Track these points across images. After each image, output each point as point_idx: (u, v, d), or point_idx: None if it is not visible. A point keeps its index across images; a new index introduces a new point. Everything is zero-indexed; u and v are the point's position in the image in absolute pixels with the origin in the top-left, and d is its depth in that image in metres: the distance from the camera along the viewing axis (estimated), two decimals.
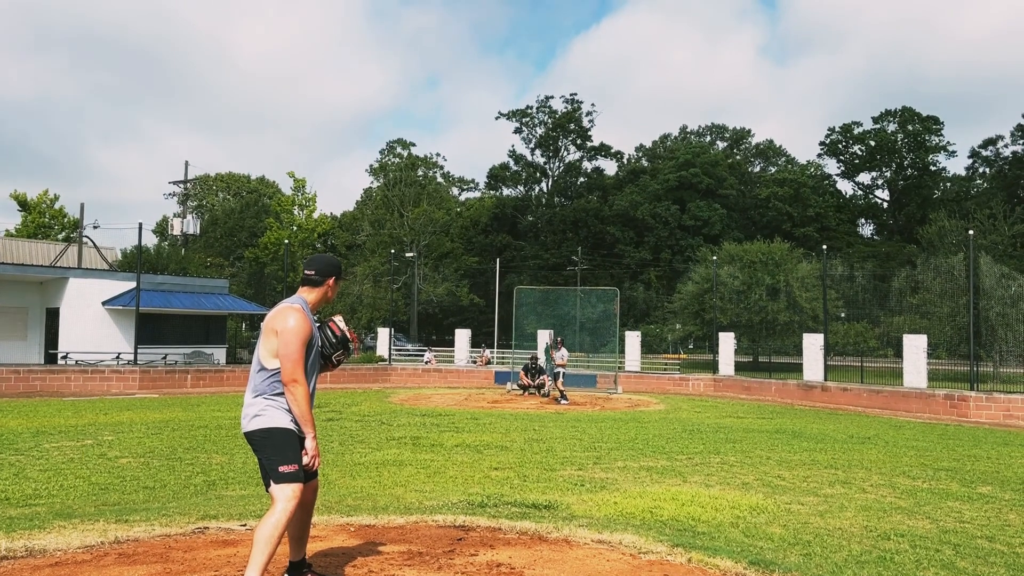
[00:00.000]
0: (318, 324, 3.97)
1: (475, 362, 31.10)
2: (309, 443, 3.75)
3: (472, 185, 77.80)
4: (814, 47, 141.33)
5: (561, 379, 20.47)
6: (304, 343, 3.70)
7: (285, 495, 3.60)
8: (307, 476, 3.79)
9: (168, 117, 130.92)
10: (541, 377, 22.29)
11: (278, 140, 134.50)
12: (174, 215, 47.73)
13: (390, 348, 30.35)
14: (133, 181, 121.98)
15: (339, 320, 4.04)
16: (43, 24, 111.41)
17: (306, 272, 3.98)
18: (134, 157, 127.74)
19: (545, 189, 72.73)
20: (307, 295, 3.92)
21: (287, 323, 3.69)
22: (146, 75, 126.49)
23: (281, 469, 3.63)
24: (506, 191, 73.58)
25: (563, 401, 19.83)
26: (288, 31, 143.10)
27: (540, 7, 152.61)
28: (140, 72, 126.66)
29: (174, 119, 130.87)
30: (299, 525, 3.94)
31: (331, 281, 3.97)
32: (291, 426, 3.71)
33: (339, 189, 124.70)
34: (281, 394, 3.72)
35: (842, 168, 71.02)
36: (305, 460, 3.74)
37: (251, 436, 3.73)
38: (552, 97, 72.39)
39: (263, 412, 3.70)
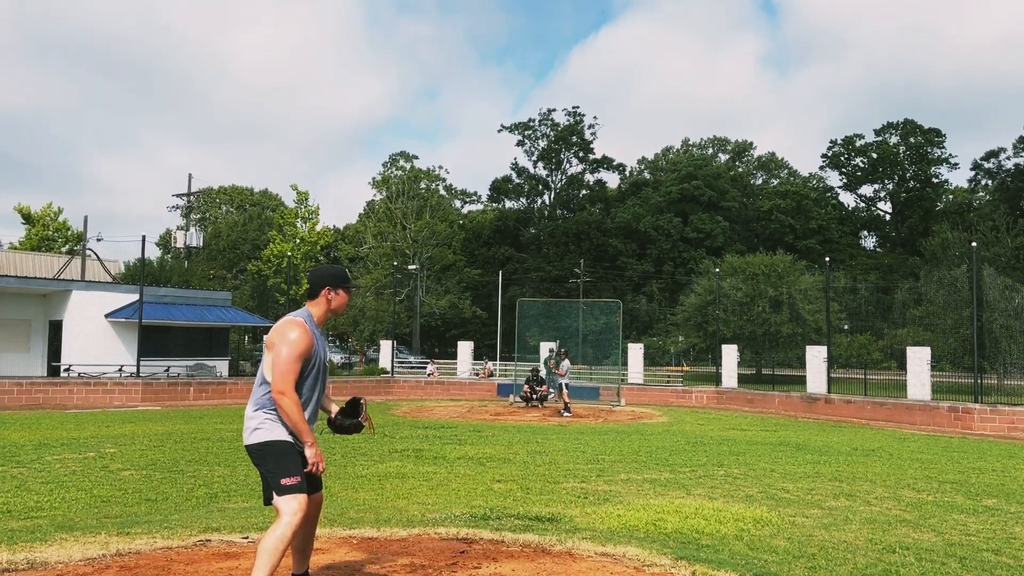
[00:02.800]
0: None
1: (477, 374, 31.07)
2: (308, 451, 3.72)
3: (474, 198, 78.05)
4: (815, 57, 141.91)
5: (567, 391, 20.44)
6: (298, 357, 3.66)
7: (291, 508, 3.57)
8: (312, 488, 3.77)
9: (166, 128, 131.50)
10: (541, 388, 22.28)
11: (277, 151, 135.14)
12: (177, 228, 47.88)
13: (392, 361, 30.33)
14: (132, 192, 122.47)
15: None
16: (39, 34, 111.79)
17: (307, 285, 4.00)
18: (133, 168, 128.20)
19: (547, 201, 72.88)
20: (312, 308, 3.91)
21: (285, 336, 3.68)
22: (143, 86, 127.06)
23: (283, 482, 3.61)
24: (508, 203, 73.75)
25: (565, 413, 19.80)
26: (285, 41, 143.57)
27: (538, 16, 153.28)
28: (137, 83, 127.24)
29: (173, 130, 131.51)
30: (303, 538, 3.91)
31: (325, 292, 3.91)
32: (290, 438, 3.69)
33: (340, 200, 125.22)
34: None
35: (844, 180, 71.13)
36: (307, 469, 3.73)
37: (251, 449, 3.71)
38: (554, 110, 72.73)
39: (262, 425, 3.68)
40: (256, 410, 3.73)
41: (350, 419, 4.05)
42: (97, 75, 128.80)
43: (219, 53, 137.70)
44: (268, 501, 3.71)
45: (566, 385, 20.59)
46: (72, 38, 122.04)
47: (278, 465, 3.63)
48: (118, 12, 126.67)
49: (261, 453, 3.68)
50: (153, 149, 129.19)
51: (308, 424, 3.76)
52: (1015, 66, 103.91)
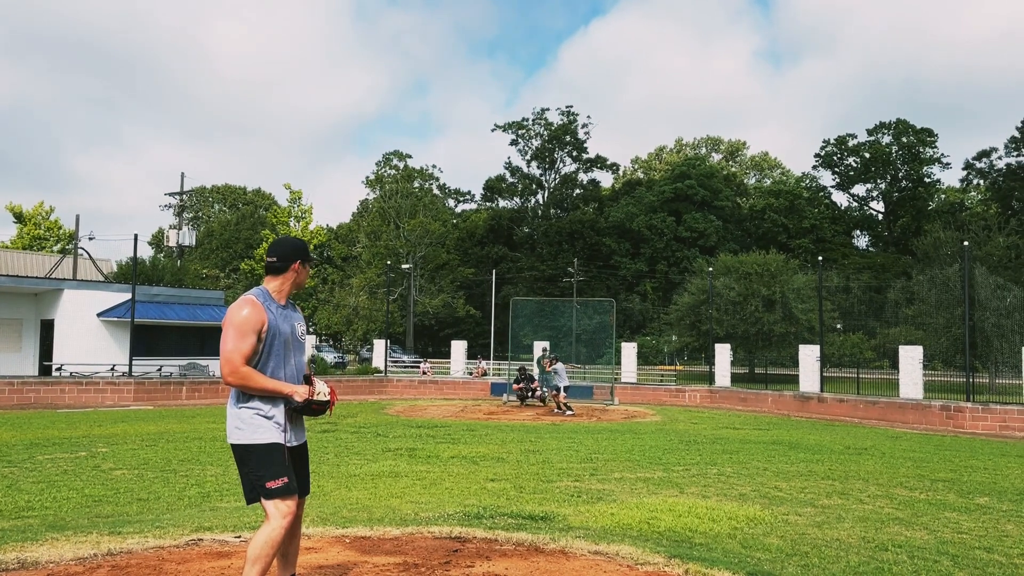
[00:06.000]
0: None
1: (471, 374, 31.05)
2: (297, 396, 3.54)
3: (468, 197, 78.06)
4: (809, 54, 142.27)
5: (564, 394, 20.45)
6: (243, 335, 3.49)
7: (280, 511, 3.47)
8: (300, 491, 3.66)
9: (154, 125, 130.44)
10: (533, 384, 22.29)
11: (266, 148, 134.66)
12: (170, 227, 47.73)
13: (386, 360, 30.30)
14: (120, 190, 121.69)
15: (319, 386, 3.69)
16: (19, 29, 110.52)
17: (267, 259, 3.75)
18: (119, 165, 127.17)
19: (541, 201, 72.92)
20: (270, 284, 3.72)
21: (232, 317, 3.52)
22: (128, 82, 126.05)
23: (268, 485, 3.48)
24: (502, 203, 73.77)
25: (568, 412, 19.90)
26: (272, 36, 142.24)
27: (529, 8, 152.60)
28: (121, 78, 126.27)
29: (160, 127, 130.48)
30: (286, 542, 3.71)
31: (296, 265, 3.72)
32: (275, 438, 3.54)
33: (329, 196, 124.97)
34: (252, 397, 3.56)
35: (837, 180, 71.30)
36: (321, 395, 3.58)
37: (234, 448, 3.59)
38: (548, 109, 72.61)
39: (243, 425, 3.55)
40: (235, 405, 3.60)
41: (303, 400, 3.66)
42: (76, 70, 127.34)
43: (205, 49, 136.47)
44: (251, 500, 3.60)
45: (565, 388, 20.61)
46: (54, 32, 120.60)
47: (262, 467, 3.50)
48: (100, 5, 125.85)
49: (244, 454, 3.55)
50: (139, 146, 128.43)
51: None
52: (1008, 65, 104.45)
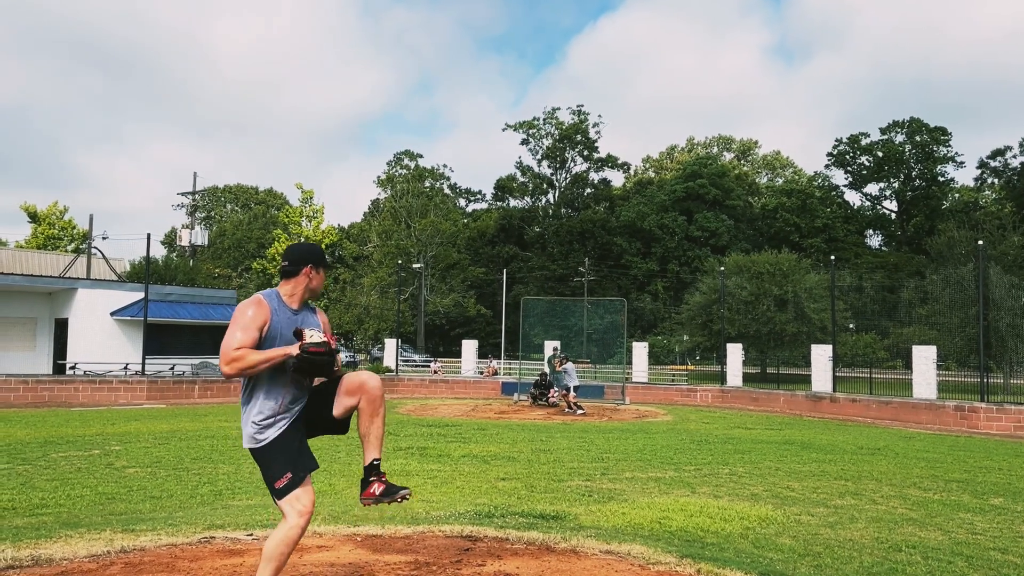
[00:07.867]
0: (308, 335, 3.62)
1: (482, 373, 31.07)
2: (294, 349, 3.46)
3: (479, 196, 78.12)
4: (821, 51, 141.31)
5: (574, 394, 20.45)
6: (245, 329, 3.48)
7: (296, 509, 3.48)
8: (334, 390, 3.58)
9: (157, 123, 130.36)
10: (549, 392, 22.24)
11: (271, 146, 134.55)
12: (183, 226, 47.97)
13: (397, 359, 30.35)
14: (127, 189, 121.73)
15: (309, 332, 3.58)
16: (24, 27, 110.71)
17: (282, 263, 3.77)
18: (126, 165, 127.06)
19: (552, 200, 72.86)
20: (283, 288, 3.72)
21: (235, 317, 3.54)
22: (134, 81, 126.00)
23: (276, 485, 3.50)
24: (513, 202, 73.77)
25: (579, 411, 19.90)
26: (277, 33, 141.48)
27: (537, 6, 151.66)
28: (127, 78, 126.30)
29: (164, 125, 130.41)
30: (362, 426, 3.67)
31: (307, 269, 3.71)
32: (277, 434, 3.55)
33: (335, 195, 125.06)
34: (257, 399, 3.56)
35: (850, 179, 70.88)
36: (314, 337, 3.49)
37: (250, 452, 3.62)
38: (559, 108, 72.35)
39: (247, 431, 3.58)
40: (245, 412, 3.62)
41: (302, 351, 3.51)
42: (86, 70, 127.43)
43: (210, 48, 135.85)
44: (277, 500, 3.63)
45: (575, 388, 20.61)
46: (59, 32, 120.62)
47: (269, 469, 3.53)
48: (104, 5, 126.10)
49: (257, 459, 3.60)
50: (147, 145, 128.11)
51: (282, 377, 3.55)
52: (1021, 64, 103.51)
